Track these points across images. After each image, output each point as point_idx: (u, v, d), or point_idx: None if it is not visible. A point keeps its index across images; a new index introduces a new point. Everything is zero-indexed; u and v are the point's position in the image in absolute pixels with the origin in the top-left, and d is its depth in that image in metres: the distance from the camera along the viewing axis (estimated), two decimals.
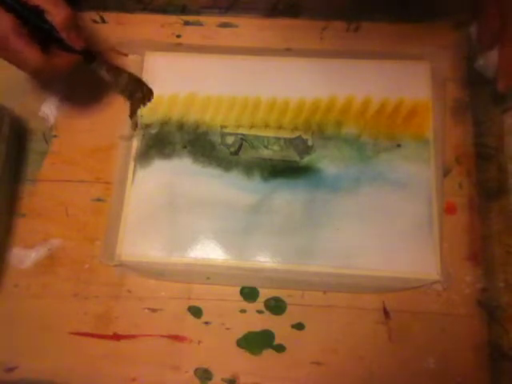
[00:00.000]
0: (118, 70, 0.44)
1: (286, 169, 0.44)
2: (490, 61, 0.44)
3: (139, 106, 0.45)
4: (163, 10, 0.50)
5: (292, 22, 0.50)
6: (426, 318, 0.41)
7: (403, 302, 0.41)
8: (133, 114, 0.45)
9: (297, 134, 0.45)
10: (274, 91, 0.46)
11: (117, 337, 0.41)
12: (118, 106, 0.47)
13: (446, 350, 0.40)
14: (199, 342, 0.41)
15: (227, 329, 0.41)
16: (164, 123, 0.46)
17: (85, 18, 0.50)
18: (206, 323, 0.41)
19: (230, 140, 0.45)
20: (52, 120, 0.47)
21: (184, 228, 0.43)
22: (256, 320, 0.41)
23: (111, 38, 0.49)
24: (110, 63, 0.44)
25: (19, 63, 0.38)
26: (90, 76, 0.48)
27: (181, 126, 0.46)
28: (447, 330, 0.40)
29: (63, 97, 0.48)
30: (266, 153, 0.45)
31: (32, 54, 0.37)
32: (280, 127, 0.45)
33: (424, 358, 0.40)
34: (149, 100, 0.45)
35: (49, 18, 0.37)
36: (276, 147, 0.45)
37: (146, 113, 0.46)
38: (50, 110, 0.47)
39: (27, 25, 0.36)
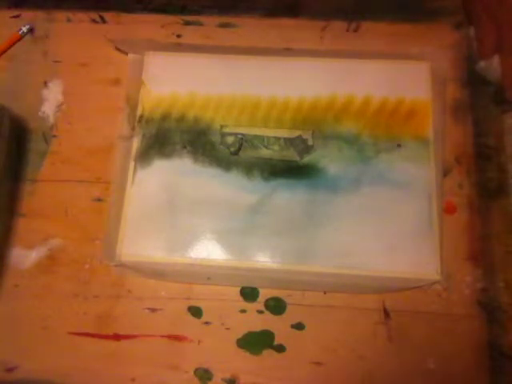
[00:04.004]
0: None
1: (286, 169, 0.44)
2: (491, 64, 0.44)
3: None
4: (163, 10, 0.50)
5: (292, 21, 0.50)
6: (426, 317, 0.41)
7: (403, 302, 0.41)
8: None
9: (297, 133, 0.45)
10: (273, 91, 0.46)
11: (117, 337, 0.41)
12: (118, 106, 0.47)
13: (446, 350, 0.40)
14: (199, 341, 0.41)
15: (227, 329, 0.41)
16: (164, 122, 0.46)
17: (85, 17, 0.50)
18: (206, 323, 0.41)
19: (229, 140, 0.45)
20: (52, 120, 0.47)
21: (184, 228, 0.42)
22: (256, 320, 0.41)
23: (111, 38, 0.49)
24: None
25: None
26: (89, 76, 0.49)
27: (180, 126, 0.46)
28: (447, 330, 0.40)
29: (63, 96, 0.48)
30: (265, 153, 0.45)
31: None
32: (280, 127, 0.45)
33: (424, 358, 0.40)
34: None
35: None
36: (276, 147, 0.45)
37: (146, 112, 0.46)
38: (50, 110, 0.47)
39: None
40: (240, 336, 0.41)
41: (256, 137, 0.45)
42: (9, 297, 0.42)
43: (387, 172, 0.44)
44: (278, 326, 0.41)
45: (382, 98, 0.46)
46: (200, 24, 0.50)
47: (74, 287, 0.42)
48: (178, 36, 0.50)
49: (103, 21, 0.50)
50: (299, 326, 0.41)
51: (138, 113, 0.46)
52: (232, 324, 0.41)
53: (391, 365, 0.40)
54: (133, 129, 0.46)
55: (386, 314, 0.41)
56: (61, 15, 0.50)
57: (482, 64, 0.46)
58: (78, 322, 0.41)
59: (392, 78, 0.46)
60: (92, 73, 0.49)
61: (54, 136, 0.47)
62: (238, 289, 0.42)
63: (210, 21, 0.50)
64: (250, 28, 0.49)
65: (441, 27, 0.49)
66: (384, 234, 0.42)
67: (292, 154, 0.45)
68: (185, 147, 0.45)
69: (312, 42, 0.49)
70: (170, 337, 0.41)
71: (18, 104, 0.47)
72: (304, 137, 0.45)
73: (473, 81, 0.47)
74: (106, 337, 0.41)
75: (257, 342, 0.41)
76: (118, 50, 0.49)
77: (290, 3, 0.50)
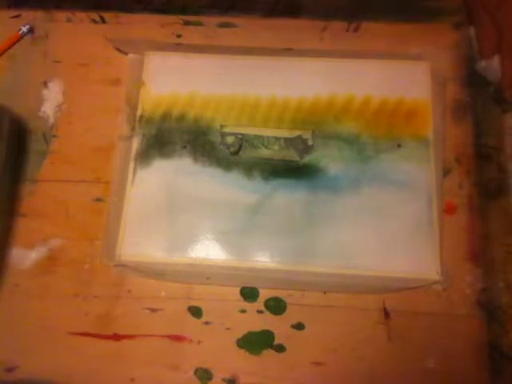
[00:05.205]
0: None
1: (286, 168, 0.44)
2: (491, 64, 0.44)
3: None
4: (163, 10, 0.50)
5: (292, 22, 0.50)
6: (426, 317, 0.41)
7: (403, 302, 0.41)
8: None
9: (297, 133, 0.45)
10: (273, 91, 0.46)
11: (117, 337, 0.41)
12: (118, 106, 0.47)
13: (446, 350, 0.40)
14: (199, 342, 0.41)
15: (227, 329, 0.41)
16: (164, 122, 0.46)
17: (85, 17, 0.50)
18: (206, 323, 0.41)
19: (229, 140, 0.45)
20: (52, 120, 0.47)
21: (184, 228, 0.43)
22: (256, 320, 0.41)
23: (111, 38, 0.49)
24: None
25: None
26: (89, 76, 0.49)
27: (180, 126, 0.46)
28: (447, 330, 0.40)
29: (63, 96, 0.48)
30: (265, 153, 0.45)
31: None
32: (280, 127, 0.45)
33: (424, 358, 0.40)
34: None
35: None
36: (276, 147, 0.45)
37: (146, 112, 0.46)
38: (50, 110, 0.47)
39: None
40: (240, 336, 0.41)
41: (256, 137, 0.45)
42: (9, 297, 0.42)
43: (387, 172, 0.44)
44: (278, 326, 0.41)
45: (382, 98, 0.46)
46: (200, 24, 0.50)
47: (74, 287, 0.42)
48: (178, 36, 0.49)
49: (103, 21, 0.50)
50: (299, 326, 0.41)
51: (138, 113, 0.46)
52: (232, 324, 0.41)
53: (391, 365, 0.40)
54: (133, 129, 0.46)
55: (386, 314, 0.41)
56: (61, 15, 0.50)
57: (482, 64, 0.46)
58: (78, 322, 0.41)
59: (392, 78, 0.46)
60: (92, 73, 0.49)
61: (54, 136, 0.47)
62: (238, 289, 0.42)
63: (210, 21, 0.50)
64: (250, 28, 0.49)
65: (441, 27, 0.49)
66: (384, 234, 0.42)
67: (292, 154, 0.45)
68: (185, 147, 0.45)
69: (312, 42, 0.49)
70: (170, 337, 0.41)
71: (18, 104, 0.47)
72: (304, 137, 0.45)
73: (473, 81, 0.47)
74: (106, 337, 0.41)
75: (257, 342, 0.41)
76: (118, 50, 0.49)
77: (290, 3, 0.50)
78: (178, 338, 0.41)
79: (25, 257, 0.43)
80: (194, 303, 0.42)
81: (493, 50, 0.45)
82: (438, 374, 0.40)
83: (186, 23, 0.50)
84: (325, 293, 0.42)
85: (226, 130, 0.45)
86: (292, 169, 0.44)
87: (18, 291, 0.42)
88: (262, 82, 0.47)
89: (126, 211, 0.43)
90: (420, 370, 0.40)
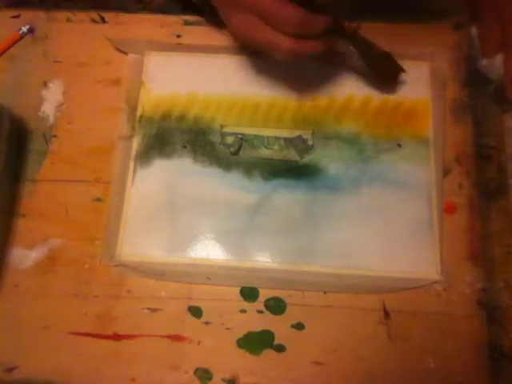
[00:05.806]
0: (366, 44, 0.43)
1: (286, 169, 0.44)
2: (493, 62, 0.44)
3: (391, 81, 0.45)
4: (163, 10, 0.50)
5: None
6: (426, 317, 0.41)
7: (403, 302, 0.41)
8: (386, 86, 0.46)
9: (297, 133, 0.45)
10: (273, 91, 0.46)
11: (117, 337, 0.41)
12: (118, 106, 0.47)
13: (446, 350, 0.40)
14: (199, 342, 0.41)
15: (227, 329, 0.41)
16: (164, 122, 0.46)
17: (85, 17, 0.50)
18: (206, 323, 0.41)
19: (229, 140, 0.45)
20: (52, 120, 0.47)
21: (184, 228, 0.43)
22: (256, 320, 0.41)
23: (111, 38, 0.49)
24: (358, 36, 0.42)
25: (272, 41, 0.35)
26: (89, 76, 0.49)
27: (180, 126, 0.46)
28: (447, 330, 0.40)
29: (63, 96, 0.48)
30: (265, 152, 0.45)
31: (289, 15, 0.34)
32: (280, 127, 0.45)
33: (424, 358, 0.40)
34: (398, 74, 0.45)
35: None
36: (276, 147, 0.45)
37: (146, 112, 0.46)
38: (50, 110, 0.47)
39: None
40: (240, 336, 0.41)
41: (256, 137, 0.45)
42: (9, 297, 0.42)
43: (387, 172, 0.44)
44: (278, 326, 0.41)
45: (382, 97, 0.46)
46: (200, 24, 0.50)
47: (74, 287, 0.42)
48: (178, 36, 0.49)
49: (103, 21, 0.50)
50: (299, 326, 0.41)
51: (138, 113, 0.46)
52: (232, 324, 0.41)
53: (391, 365, 0.40)
54: (133, 129, 0.46)
55: (386, 313, 0.41)
56: (61, 15, 0.50)
57: (484, 62, 0.46)
58: (78, 322, 0.41)
59: None
60: (92, 73, 0.48)
61: (54, 136, 0.47)
62: (238, 289, 0.42)
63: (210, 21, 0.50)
64: None
65: (441, 27, 0.49)
66: (384, 233, 0.42)
67: (292, 154, 0.45)
68: (185, 147, 0.45)
69: None
70: (169, 337, 0.41)
71: (18, 104, 0.47)
72: (304, 137, 0.45)
73: (473, 81, 0.47)
74: (106, 337, 0.41)
75: (257, 342, 0.41)
76: (118, 50, 0.49)
77: None
78: (177, 338, 0.41)
79: (25, 257, 0.43)
80: (193, 303, 0.42)
81: (496, 49, 0.45)
82: (438, 374, 0.40)
83: (186, 23, 0.50)
84: (325, 293, 0.42)
85: (226, 129, 0.45)
86: (292, 169, 0.44)
87: (18, 291, 0.42)
88: (261, 81, 0.47)
89: (125, 211, 0.43)
90: (420, 370, 0.40)
